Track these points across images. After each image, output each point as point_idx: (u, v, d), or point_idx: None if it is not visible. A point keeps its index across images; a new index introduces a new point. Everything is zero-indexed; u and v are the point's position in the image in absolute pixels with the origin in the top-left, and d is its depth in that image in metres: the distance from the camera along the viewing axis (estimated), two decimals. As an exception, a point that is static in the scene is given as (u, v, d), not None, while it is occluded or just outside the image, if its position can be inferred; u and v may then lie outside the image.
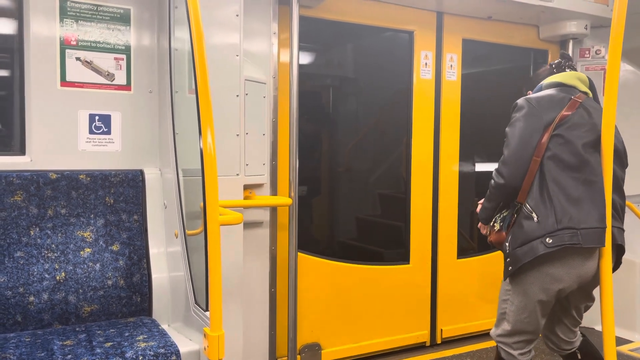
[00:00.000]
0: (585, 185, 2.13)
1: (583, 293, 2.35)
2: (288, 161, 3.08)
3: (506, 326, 2.29)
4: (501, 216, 2.28)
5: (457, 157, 3.78)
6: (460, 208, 3.80)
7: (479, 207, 2.37)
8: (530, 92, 2.47)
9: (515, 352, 2.29)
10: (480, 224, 2.39)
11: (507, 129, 2.24)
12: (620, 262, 2.32)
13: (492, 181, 2.26)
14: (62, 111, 2.58)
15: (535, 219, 2.12)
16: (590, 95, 2.35)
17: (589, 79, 2.38)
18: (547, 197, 2.12)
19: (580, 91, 2.31)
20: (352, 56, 3.72)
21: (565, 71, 2.43)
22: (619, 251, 2.27)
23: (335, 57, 3.70)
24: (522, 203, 2.19)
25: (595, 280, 2.22)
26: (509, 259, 2.20)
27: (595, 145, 2.17)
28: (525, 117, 2.18)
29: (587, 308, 2.43)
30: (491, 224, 2.31)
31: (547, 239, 2.07)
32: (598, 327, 3.90)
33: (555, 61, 2.49)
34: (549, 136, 2.16)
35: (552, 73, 2.44)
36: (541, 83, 2.37)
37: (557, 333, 2.45)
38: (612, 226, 2.15)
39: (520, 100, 2.25)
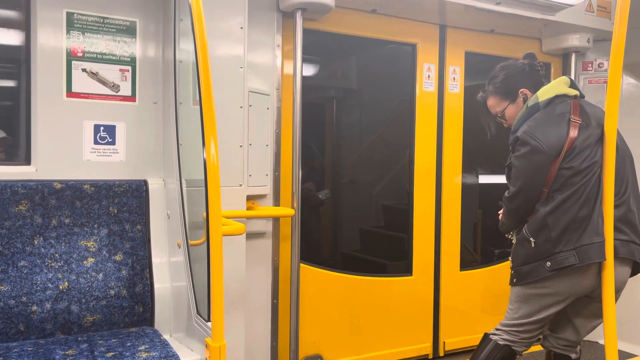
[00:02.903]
0: (587, 205, 2.15)
1: (585, 308, 2.36)
2: (291, 172, 3.09)
3: (510, 319, 2.39)
4: (517, 229, 2.36)
5: (460, 169, 3.78)
6: (463, 220, 3.80)
7: (500, 216, 2.44)
8: (526, 90, 2.41)
9: (504, 336, 2.37)
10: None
11: (513, 160, 2.25)
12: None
13: (505, 207, 2.33)
14: (68, 121, 2.61)
15: (532, 243, 2.20)
16: (578, 94, 2.35)
17: (569, 77, 2.39)
18: (546, 223, 2.17)
19: (571, 97, 2.32)
20: (355, 68, 3.75)
21: (539, 72, 2.45)
22: (634, 264, 2.27)
23: (339, 69, 3.73)
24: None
25: (597, 296, 2.23)
26: (513, 272, 2.32)
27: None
28: (531, 154, 2.18)
29: (592, 328, 2.43)
30: (509, 236, 2.41)
31: (547, 263, 2.17)
32: (601, 341, 3.87)
33: (528, 61, 2.48)
34: (556, 168, 2.18)
35: (527, 72, 2.43)
36: (538, 102, 2.33)
37: (558, 335, 2.47)
38: (615, 239, 2.15)
39: (522, 135, 2.22)
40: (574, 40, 3.80)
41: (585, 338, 3.92)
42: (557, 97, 2.32)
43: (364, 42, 3.49)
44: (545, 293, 2.24)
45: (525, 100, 2.41)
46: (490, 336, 2.40)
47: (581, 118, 2.24)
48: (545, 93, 2.33)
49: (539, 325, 2.32)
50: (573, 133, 2.19)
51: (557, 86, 2.34)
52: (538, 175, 2.18)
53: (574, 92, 2.34)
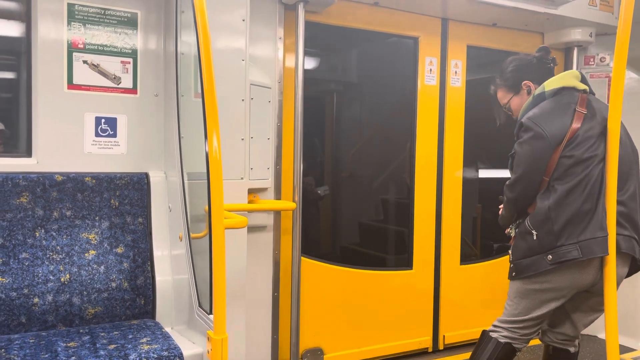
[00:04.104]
0: (590, 199, 2.14)
1: (584, 303, 2.36)
2: (292, 165, 3.09)
3: (508, 315, 2.38)
4: (516, 223, 2.35)
5: (461, 163, 3.78)
6: (463, 214, 3.80)
7: (500, 210, 2.43)
8: (529, 82, 2.42)
9: (504, 333, 2.35)
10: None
11: (516, 146, 2.25)
12: (637, 268, 2.30)
13: (505, 196, 2.32)
14: (69, 114, 2.60)
15: (534, 235, 2.18)
16: (587, 89, 2.35)
17: (580, 73, 2.38)
18: (549, 216, 2.16)
19: (580, 90, 2.32)
20: (357, 61, 3.73)
21: (547, 65, 2.44)
22: (632, 260, 2.26)
23: (340, 63, 3.72)
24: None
25: (597, 290, 2.23)
26: (512, 266, 2.30)
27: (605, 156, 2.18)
28: (534, 140, 2.18)
29: (589, 322, 2.44)
30: (508, 230, 2.39)
31: (548, 256, 2.15)
32: (601, 335, 3.89)
33: (539, 55, 2.47)
34: (557, 157, 2.17)
35: (536, 65, 2.43)
36: (544, 91, 2.34)
37: (556, 329, 2.47)
38: (617, 234, 2.15)
39: (526, 121, 2.22)
40: (577, 35, 3.79)
41: (585, 332, 3.96)
42: (564, 88, 2.31)
43: (365, 35, 3.48)
44: (545, 288, 2.23)
45: (529, 92, 2.42)
46: (490, 334, 2.38)
47: (587, 110, 2.23)
48: (551, 83, 2.33)
49: (539, 321, 2.32)
50: (577, 123, 2.19)
51: (564, 78, 2.33)
52: (539, 162, 2.17)
53: (583, 86, 2.33)
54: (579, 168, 2.15)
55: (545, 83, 2.35)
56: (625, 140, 2.29)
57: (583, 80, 2.36)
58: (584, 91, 2.33)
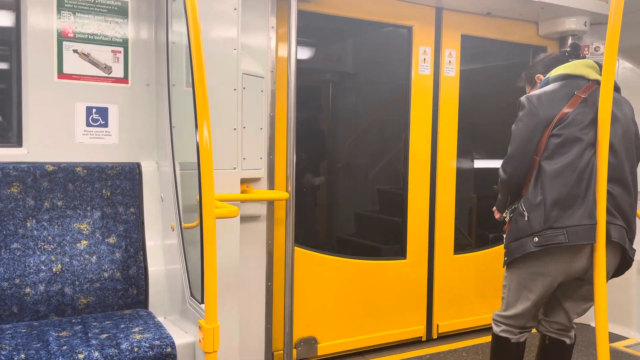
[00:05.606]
0: (580, 183, 2.13)
1: (575, 292, 2.37)
2: (285, 155, 3.08)
3: (504, 308, 2.40)
4: (511, 208, 2.36)
5: (455, 153, 3.78)
6: (457, 204, 3.81)
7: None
8: (541, 75, 2.47)
9: (506, 334, 2.38)
10: (496, 211, 2.50)
11: (512, 126, 2.30)
12: (628, 263, 2.30)
13: (499, 177, 2.35)
14: (59, 103, 2.58)
15: (526, 217, 2.19)
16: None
17: (597, 63, 2.34)
18: (540, 197, 2.16)
19: (591, 80, 2.29)
20: (350, 51, 3.72)
21: (571, 60, 2.42)
22: (623, 251, 2.26)
23: (334, 52, 3.70)
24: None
25: (589, 278, 2.23)
26: (505, 250, 2.32)
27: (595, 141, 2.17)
28: (526, 117, 2.23)
29: (583, 311, 2.44)
30: (504, 214, 2.40)
31: (535, 238, 2.16)
32: (593, 323, 3.91)
33: (568, 49, 2.50)
34: (547, 135, 2.18)
35: (563, 61, 2.42)
36: (548, 76, 2.35)
37: (551, 319, 2.49)
38: (609, 223, 2.15)
39: (523, 99, 2.27)
40: (571, 24, 3.78)
41: (578, 321, 3.97)
42: (570, 75, 2.30)
43: (359, 24, 3.46)
44: (537, 272, 2.23)
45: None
46: (501, 334, 2.40)
47: (587, 96, 2.23)
48: (558, 70, 2.35)
49: (533, 309, 2.33)
50: (570, 107, 2.19)
51: (573, 66, 2.33)
52: (530, 139, 2.20)
53: (595, 76, 2.29)
54: (567, 148, 2.16)
55: (552, 70, 2.36)
56: (628, 127, 2.26)
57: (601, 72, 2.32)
58: (596, 82, 2.28)
